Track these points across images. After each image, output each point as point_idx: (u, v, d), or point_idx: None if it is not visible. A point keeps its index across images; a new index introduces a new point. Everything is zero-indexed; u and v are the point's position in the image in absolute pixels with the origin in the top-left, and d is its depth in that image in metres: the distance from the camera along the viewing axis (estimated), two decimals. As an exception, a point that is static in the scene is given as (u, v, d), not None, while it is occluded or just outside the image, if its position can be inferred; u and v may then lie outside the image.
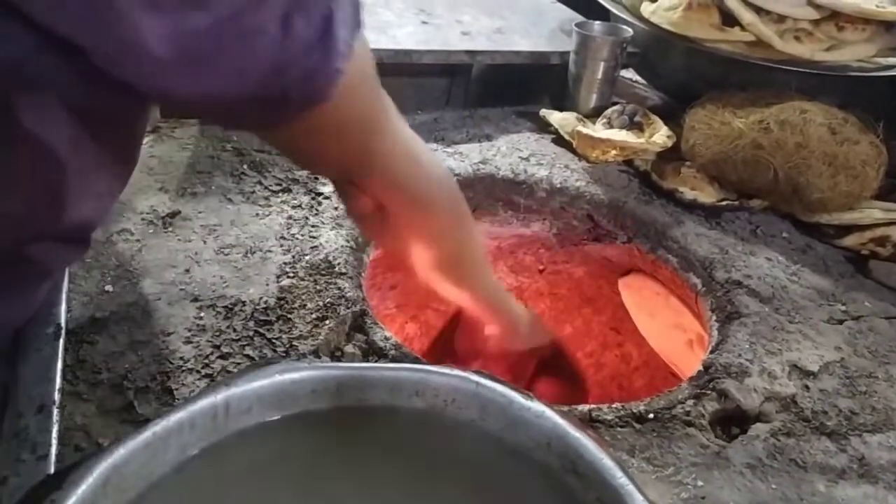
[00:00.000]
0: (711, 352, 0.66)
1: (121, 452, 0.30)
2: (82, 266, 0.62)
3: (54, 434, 0.47)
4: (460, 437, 0.38)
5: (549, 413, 0.37)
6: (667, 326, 0.91)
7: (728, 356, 0.64)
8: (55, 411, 0.49)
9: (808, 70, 0.91)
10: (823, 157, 0.81)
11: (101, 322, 0.57)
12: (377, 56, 1.00)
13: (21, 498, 0.28)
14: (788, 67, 0.91)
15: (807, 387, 0.63)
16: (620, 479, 0.35)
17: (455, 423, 0.39)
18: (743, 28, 0.92)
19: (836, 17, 0.91)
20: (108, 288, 0.60)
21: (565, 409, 0.56)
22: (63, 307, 0.57)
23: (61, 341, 0.54)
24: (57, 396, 0.50)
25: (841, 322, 0.72)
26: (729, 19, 0.94)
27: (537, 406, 0.38)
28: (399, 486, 0.37)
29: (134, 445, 0.30)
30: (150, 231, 0.67)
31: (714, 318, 0.72)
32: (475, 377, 0.39)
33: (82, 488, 0.28)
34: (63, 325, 0.56)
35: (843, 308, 0.74)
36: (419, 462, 0.39)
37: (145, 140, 0.81)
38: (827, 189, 0.81)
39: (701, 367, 0.63)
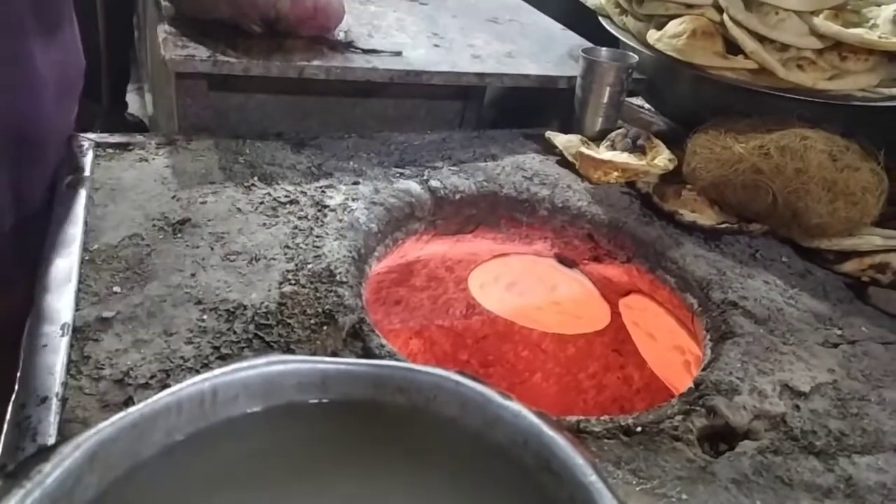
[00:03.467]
0: (703, 369, 0.67)
1: (108, 430, 0.31)
2: (93, 268, 0.64)
3: (55, 425, 0.49)
4: (441, 434, 0.40)
5: (526, 412, 0.38)
6: (667, 348, 0.91)
7: (719, 374, 0.64)
8: (56, 403, 0.51)
9: (811, 98, 0.92)
10: (823, 183, 0.82)
11: (107, 321, 0.59)
12: (390, 76, 1.03)
13: (12, 468, 0.29)
14: (791, 95, 0.92)
15: (797, 406, 0.63)
16: (591, 477, 0.36)
17: (436, 419, 0.41)
18: (746, 56, 0.94)
19: (838, 46, 0.92)
20: (116, 289, 0.63)
21: (553, 418, 0.56)
22: (71, 306, 0.60)
23: (67, 338, 0.56)
24: (59, 389, 0.52)
25: (836, 345, 0.72)
26: (733, 47, 0.96)
27: (514, 405, 0.39)
28: (381, 479, 0.38)
29: (121, 424, 0.32)
30: (160, 237, 0.70)
31: (708, 337, 0.73)
32: (456, 376, 0.40)
33: (68, 461, 0.29)
34: (70, 322, 0.58)
35: (840, 332, 0.74)
36: (401, 457, 0.41)
37: (161, 150, 0.84)
38: (826, 214, 0.82)
39: (692, 384, 0.64)
